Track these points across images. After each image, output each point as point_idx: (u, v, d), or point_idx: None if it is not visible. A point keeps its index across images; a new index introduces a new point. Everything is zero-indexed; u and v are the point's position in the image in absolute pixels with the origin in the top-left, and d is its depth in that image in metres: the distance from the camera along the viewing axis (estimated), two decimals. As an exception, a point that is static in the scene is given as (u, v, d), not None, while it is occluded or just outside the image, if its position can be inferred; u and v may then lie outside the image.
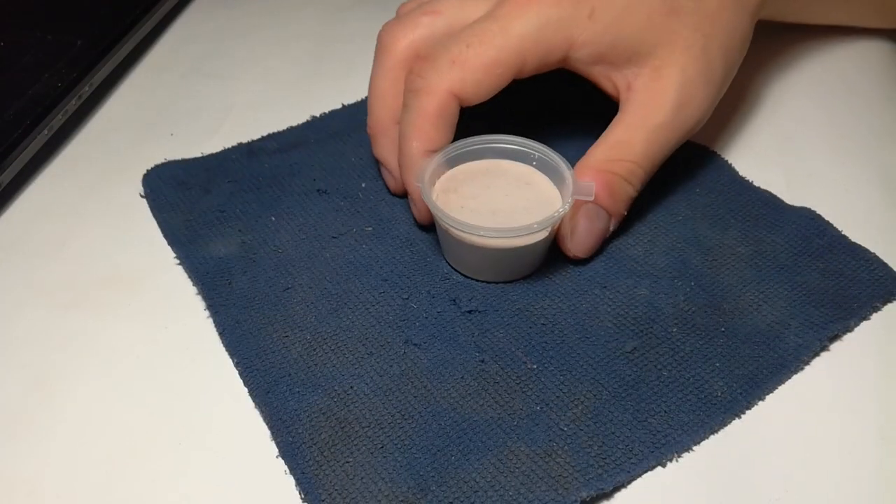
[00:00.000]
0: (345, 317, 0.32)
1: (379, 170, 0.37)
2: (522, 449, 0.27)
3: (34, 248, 0.36)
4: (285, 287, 0.33)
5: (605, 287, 0.32)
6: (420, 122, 0.32)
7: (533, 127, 0.38)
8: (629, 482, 0.26)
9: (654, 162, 0.33)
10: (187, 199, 0.38)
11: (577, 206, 0.32)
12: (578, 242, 0.33)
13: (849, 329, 0.31)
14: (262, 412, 0.29)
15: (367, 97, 0.42)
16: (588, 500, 0.26)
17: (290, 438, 0.28)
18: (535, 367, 0.29)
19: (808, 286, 0.32)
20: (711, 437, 0.28)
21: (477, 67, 0.31)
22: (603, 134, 0.33)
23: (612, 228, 0.33)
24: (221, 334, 0.31)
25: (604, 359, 0.30)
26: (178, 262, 0.35)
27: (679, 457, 0.27)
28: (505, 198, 0.32)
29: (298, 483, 0.27)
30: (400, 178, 0.34)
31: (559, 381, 0.29)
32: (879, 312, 0.31)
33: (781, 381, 0.29)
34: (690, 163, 0.38)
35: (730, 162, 0.38)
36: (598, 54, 0.33)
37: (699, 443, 0.27)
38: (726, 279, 0.33)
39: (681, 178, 0.37)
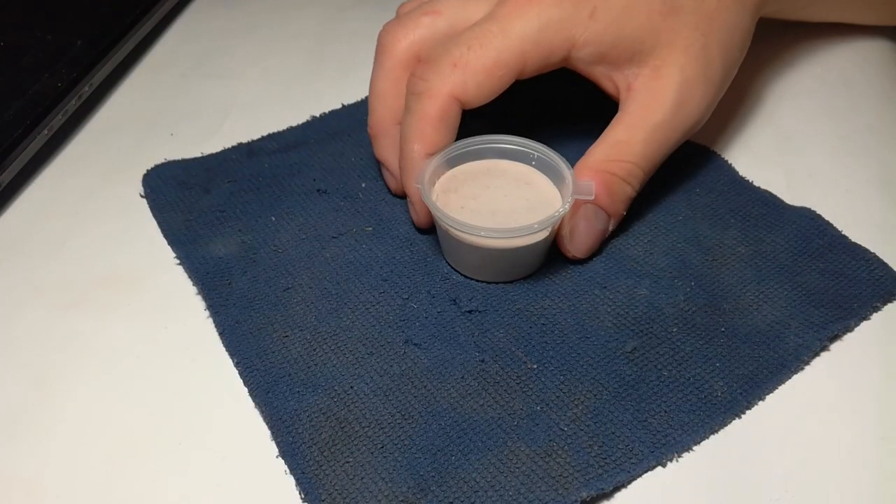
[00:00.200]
0: (345, 317, 0.32)
1: (380, 170, 0.37)
2: (522, 449, 0.27)
3: (34, 248, 0.36)
4: (285, 287, 0.33)
5: (605, 287, 0.32)
6: (421, 126, 0.32)
7: (533, 127, 0.38)
8: (629, 482, 0.26)
9: (653, 162, 0.33)
10: (187, 199, 0.37)
11: (576, 206, 0.32)
12: (577, 243, 0.33)
13: (849, 329, 0.31)
14: (262, 412, 0.29)
15: (367, 97, 0.43)
16: (588, 500, 0.26)
17: (290, 438, 0.28)
18: (535, 366, 0.29)
19: (808, 286, 0.32)
20: (711, 437, 0.28)
21: (478, 70, 0.31)
22: (602, 134, 0.33)
23: (610, 229, 0.33)
24: (221, 334, 0.31)
25: (604, 359, 0.30)
26: (178, 262, 0.35)
27: (679, 457, 0.27)
28: (505, 198, 0.32)
29: (298, 483, 0.27)
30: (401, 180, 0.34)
31: (559, 380, 0.29)
32: (879, 312, 0.31)
33: (782, 381, 0.29)
34: (690, 163, 0.38)
35: (730, 161, 0.38)
36: (599, 54, 0.33)
37: (699, 443, 0.27)
38: (726, 279, 0.32)
39: (681, 178, 0.37)
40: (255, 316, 0.32)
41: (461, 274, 0.33)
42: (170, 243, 0.36)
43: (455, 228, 0.31)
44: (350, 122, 0.42)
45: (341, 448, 0.27)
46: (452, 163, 0.33)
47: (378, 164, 0.37)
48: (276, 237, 0.35)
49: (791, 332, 0.30)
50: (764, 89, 0.43)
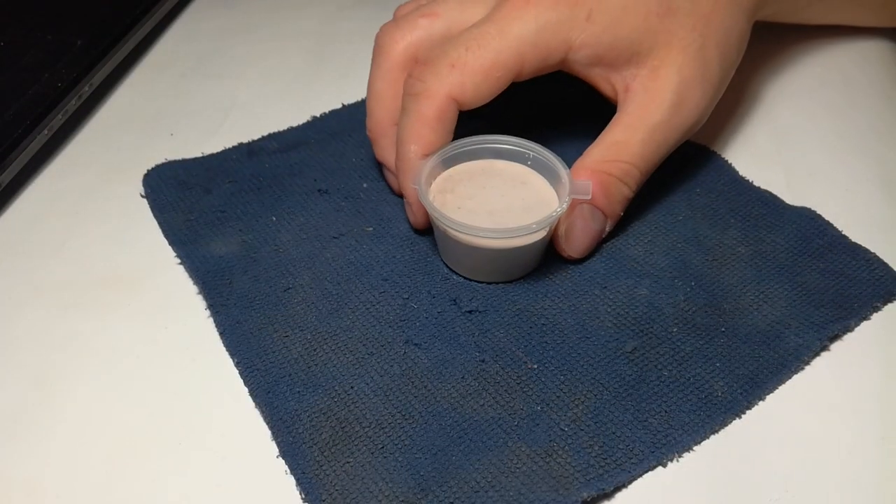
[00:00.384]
0: (345, 317, 0.32)
1: (381, 171, 0.37)
2: (523, 449, 0.27)
3: (34, 248, 0.36)
4: (286, 287, 0.33)
5: (605, 287, 0.32)
6: (418, 127, 0.32)
7: (530, 128, 0.38)
8: (630, 482, 0.26)
9: (650, 163, 0.33)
10: (188, 199, 0.37)
11: (573, 206, 0.32)
12: (574, 243, 0.33)
13: (849, 329, 0.31)
14: (262, 412, 0.29)
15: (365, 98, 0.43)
16: (589, 500, 0.26)
17: (291, 438, 0.28)
18: (535, 366, 0.29)
19: (808, 286, 0.32)
20: (711, 437, 0.28)
21: (476, 71, 0.31)
22: (600, 135, 0.33)
23: (607, 229, 0.33)
24: (222, 334, 0.31)
25: (604, 359, 0.30)
26: (178, 261, 0.35)
27: (679, 457, 0.27)
28: (501, 198, 0.32)
29: (299, 483, 0.27)
30: None
31: (559, 380, 0.29)
32: (880, 312, 0.31)
33: (782, 381, 0.29)
34: (690, 163, 0.38)
35: (730, 161, 0.38)
36: (597, 56, 0.33)
37: (700, 443, 0.27)
38: (726, 279, 0.33)
39: (680, 178, 0.37)
40: (255, 316, 0.32)
41: (459, 275, 0.33)
42: (170, 243, 0.35)
43: (453, 229, 0.31)
44: (351, 121, 0.42)
45: (342, 448, 0.27)
46: (448, 163, 0.33)
47: (379, 165, 0.37)
48: (276, 237, 0.35)
49: (791, 332, 0.30)
50: (763, 89, 0.43)
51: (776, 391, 0.29)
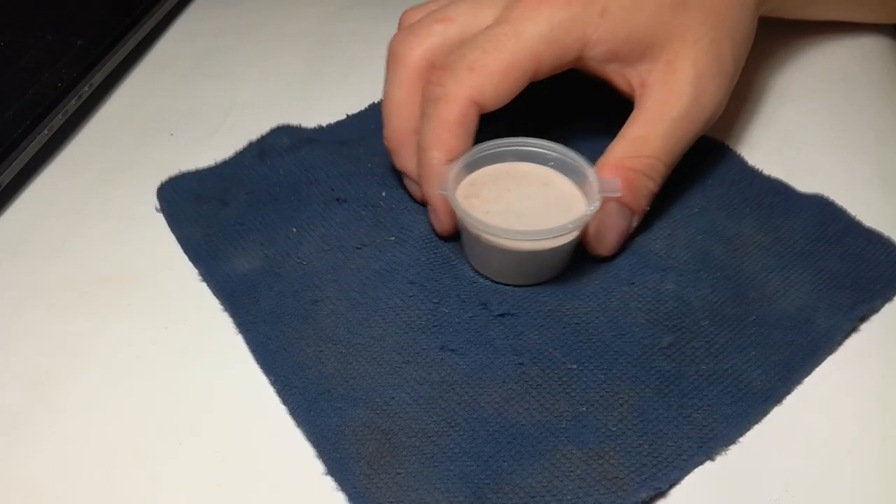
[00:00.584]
0: (376, 326, 0.31)
1: (401, 179, 0.37)
2: (574, 451, 0.27)
3: (34, 248, 0.36)
4: (313, 300, 0.32)
5: (632, 283, 0.32)
6: (440, 132, 0.32)
7: (549, 128, 0.37)
8: (682, 479, 0.26)
9: (673, 156, 0.33)
10: (205, 213, 0.37)
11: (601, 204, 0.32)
12: (603, 241, 0.33)
13: (875, 310, 0.31)
14: (304, 430, 0.28)
15: (369, 105, 0.42)
16: (647, 500, 0.26)
17: (337, 455, 0.27)
18: (574, 367, 0.29)
19: (829, 270, 0.32)
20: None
21: (494, 72, 0.31)
22: (620, 131, 0.33)
23: (634, 225, 0.34)
24: (254, 352, 0.31)
25: (642, 356, 0.30)
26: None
27: (726, 450, 0.27)
28: (527, 200, 0.32)
29: (350, 499, 0.26)
30: None
31: (600, 380, 0.29)
32: (878, 313, 0.31)
33: (817, 364, 0.29)
34: (700, 154, 0.38)
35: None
36: (612, 51, 0.33)
37: (744, 434, 0.28)
38: (749, 268, 0.33)
39: (692, 170, 0.37)
40: (285, 331, 0.31)
41: (487, 278, 0.33)
42: (191, 258, 0.35)
43: (488, 233, 0.30)
44: (359, 131, 0.41)
45: (389, 460, 0.27)
46: (471, 168, 0.33)
47: (398, 174, 0.37)
48: (298, 249, 0.35)
49: (821, 315, 0.31)
50: (764, 87, 0.43)
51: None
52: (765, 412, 0.28)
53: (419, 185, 0.35)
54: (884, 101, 0.42)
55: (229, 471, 0.27)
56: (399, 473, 0.27)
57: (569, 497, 0.26)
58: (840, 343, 0.30)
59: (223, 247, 0.35)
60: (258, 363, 0.31)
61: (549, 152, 0.33)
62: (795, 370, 0.29)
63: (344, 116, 0.42)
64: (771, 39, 0.45)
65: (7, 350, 0.32)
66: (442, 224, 0.34)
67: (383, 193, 0.37)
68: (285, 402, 0.29)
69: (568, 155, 0.33)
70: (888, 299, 0.31)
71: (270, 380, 0.30)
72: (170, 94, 0.46)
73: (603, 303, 0.32)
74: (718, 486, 0.26)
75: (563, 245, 0.31)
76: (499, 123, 0.34)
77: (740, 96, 0.42)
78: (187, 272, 0.34)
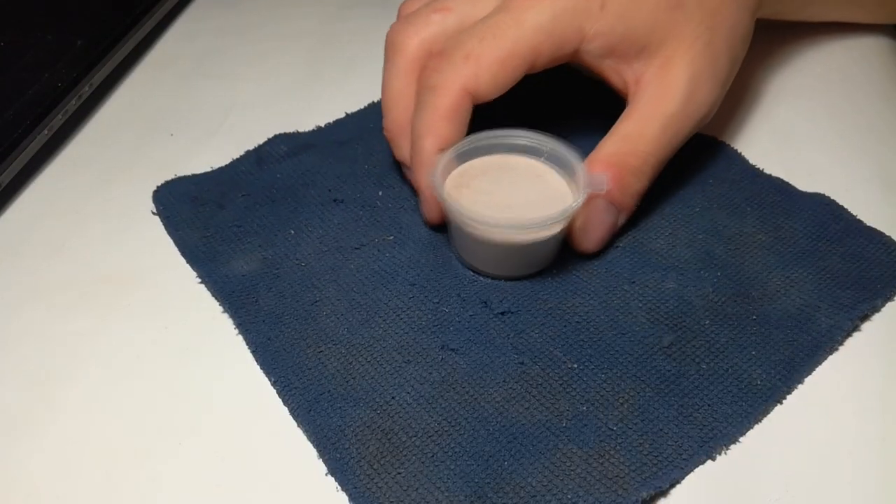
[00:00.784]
0: (377, 326, 0.31)
1: (401, 172, 0.37)
2: (575, 451, 0.27)
3: (34, 248, 0.36)
4: (313, 301, 0.32)
5: (633, 282, 0.32)
6: (434, 120, 0.32)
7: (542, 122, 0.37)
8: (683, 479, 0.26)
9: (663, 154, 0.33)
10: (202, 215, 0.37)
11: (588, 199, 0.32)
12: (587, 236, 0.33)
13: (876, 309, 0.31)
14: (305, 430, 0.28)
15: (368, 104, 0.42)
16: (647, 499, 0.26)
17: (338, 455, 0.27)
18: (575, 366, 0.29)
19: (830, 269, 0.32)
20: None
21: (491, 62, 0.31)
22: (612, 127, 0.33)
23: (620, 222, 0.33)
24: (254, 353, 0.31)
25: (642, 355, 0.30)
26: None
27: (727, 449, 0.27)
28: (517, 192, 0.32)
29: (352, 499, 0.26)
30: None
31: (601, 379, 0.29)
32: (879, 312, 0.31)
33: (818, 363, 0.29)
34: (701, 153, 0.38)
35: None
36: (609, 46, 0.33)
37: (745, 433, 0.28)
38: (750, 267, 0.33)
39: (693, 169, 0.37)
40: (286, 332, 0.31)
41: (471, 268, 0.33)
42: (188, 261, 0.35)
43: (473, 222, 0.30)
44: (357, 130, 0.41)
45: (390, 460, 0.27)
46: (463, 158, 0.33)
47: (397, 169, 0.37)
48: (297, 251, 0.35)
49: (822, 314, 0.31)
50: (763, 87, 0.43)
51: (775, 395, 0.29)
52: (766, 411, 0.28)
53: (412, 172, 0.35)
54: (883, 101, 0.42)
55: (229, 471, 0.27)
56: (400, 473, 0.27)
57: (569, 496, 0.26)
58: (841, 342, 0.30)
59: (221, 249, 0.35)
60: (259, 363, 0.31)
61: (541, 146, 0.33)
62: (796, 369, 0.29)
63: (343, 116, 0.42)
64: (770, 40, 0.45)
65: (7, 350, 0.32)
66: (430, 212, 0.34)
67: (380, 193, 0.37)
68: (286, 402, 0.29)
69: (559, 149, 0.33)
70: (889, 298, 0.31)
71: (271, 380, 0.30)
72: (170, 94, 0.46)
73: (604, 301, 0.32)
74: (719, 486, 0.26)
75: (547, 238, 0.31)
76: (493, 115, 0.34)
77: (739, 97, 0.42)
78: (187, 272, 0.34)
